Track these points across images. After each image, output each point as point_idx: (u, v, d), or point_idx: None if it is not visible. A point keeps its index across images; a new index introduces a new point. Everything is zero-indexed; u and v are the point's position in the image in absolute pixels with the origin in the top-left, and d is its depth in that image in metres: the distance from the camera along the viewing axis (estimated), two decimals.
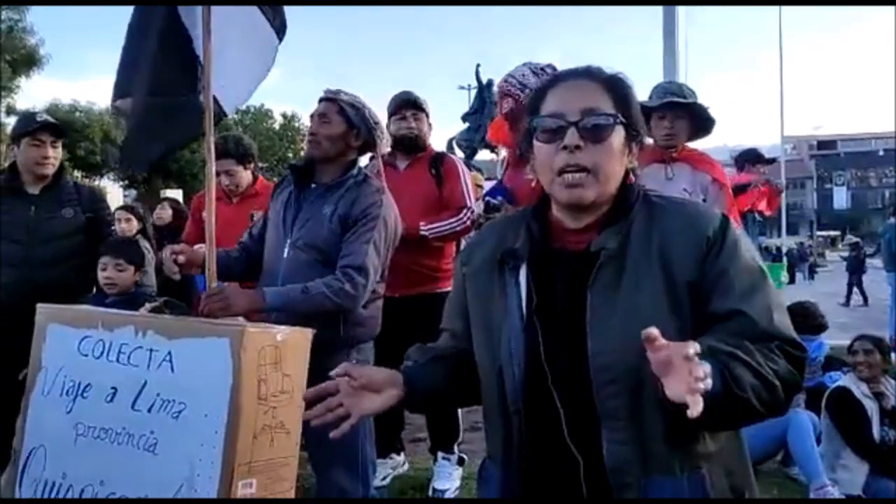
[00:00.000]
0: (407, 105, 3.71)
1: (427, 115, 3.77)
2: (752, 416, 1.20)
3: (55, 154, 3.35)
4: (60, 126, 3.39)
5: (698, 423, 1.06)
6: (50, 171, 3.34)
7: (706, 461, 1.27)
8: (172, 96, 2.53)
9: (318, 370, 2.44)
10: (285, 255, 2.52)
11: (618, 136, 1.33)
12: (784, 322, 1.27)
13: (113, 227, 3.90)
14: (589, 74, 1.38)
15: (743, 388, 1.16)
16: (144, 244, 5.05)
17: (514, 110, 3.12)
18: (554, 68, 3.25)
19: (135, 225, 5.37)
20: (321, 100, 2.64)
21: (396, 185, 2.96)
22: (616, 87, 1.36)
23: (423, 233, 3.53)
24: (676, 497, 1.24)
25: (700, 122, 3.24)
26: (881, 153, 65.10)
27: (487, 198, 3.43)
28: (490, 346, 1.38)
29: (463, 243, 3.70)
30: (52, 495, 1.98)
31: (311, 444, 2.60)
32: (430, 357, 1.48)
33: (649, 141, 3.45)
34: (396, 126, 3.70)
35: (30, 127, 3.33)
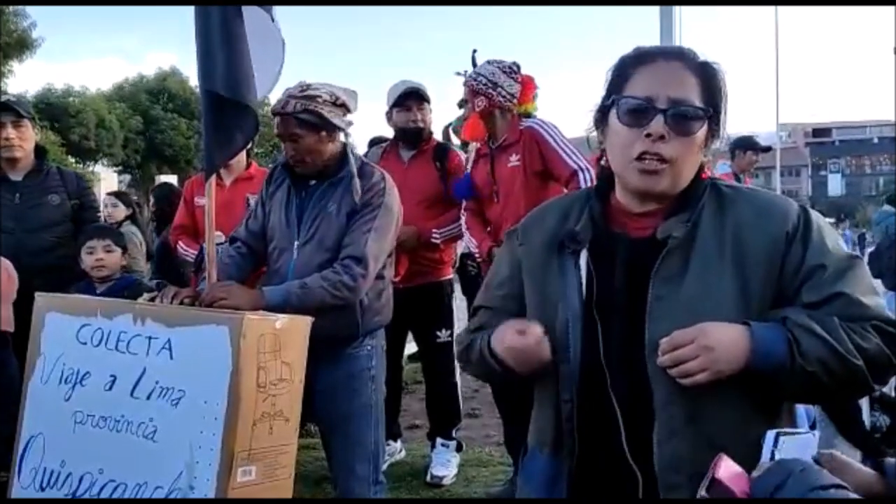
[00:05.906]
0: (412, 97, 3.67)
1: (429, 104, 3.76)
2: (822, 391, 1.19)
3: (19, 136, 3.21)
4: (16, 106, 3.23)
5: (768, 395, 1.12)
6: (17, 154, 3.22)
7: None
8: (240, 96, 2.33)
9: (337, 358, 2.48)
10: (294, 256, 2.47)
11: (703, 130, 1.27)
12: (879, 302, 1.24)
13: (99, 213, 3.83)
14: (682, 57, 1.30)
15: (810, 361, 1.16)
16: (133, 230, 5.03)
17: (488, 108, 3.27)
18: (518, 66, 3.32)
19: (122, 211, 5.32)
20: (275, 113, 2.45)
21: (401, 178, 2.95)
22: (708, 76, 1.29)
23: (435, 240, 3.57)
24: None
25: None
26: (876, 140, 65.15)
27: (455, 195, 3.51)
28: (547, 332, 1.31)
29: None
30: (51, 483, 1.98)
31: (324, 428, 2.63)
32: None
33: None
34: (403, 118, 3.68)
35: None
